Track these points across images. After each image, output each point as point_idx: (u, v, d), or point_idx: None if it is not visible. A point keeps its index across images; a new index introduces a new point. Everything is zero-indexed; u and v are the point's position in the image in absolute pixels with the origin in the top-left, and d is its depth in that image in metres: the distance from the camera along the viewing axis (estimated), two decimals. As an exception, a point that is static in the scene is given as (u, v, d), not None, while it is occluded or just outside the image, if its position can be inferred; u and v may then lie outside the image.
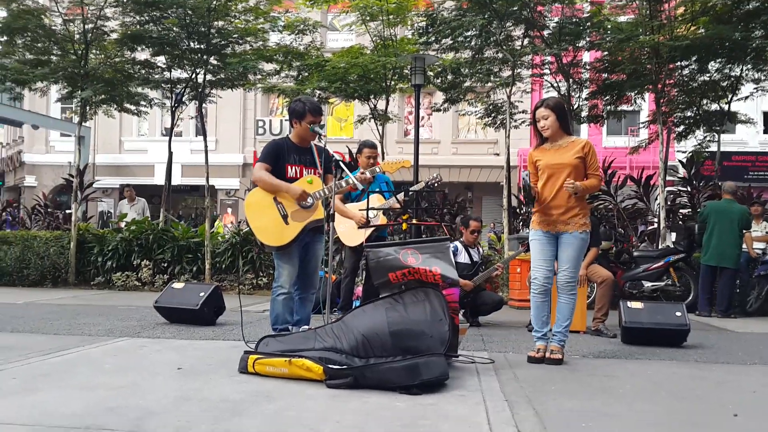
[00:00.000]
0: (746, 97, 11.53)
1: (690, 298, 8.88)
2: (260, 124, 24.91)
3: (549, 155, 4.69)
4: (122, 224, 11.28)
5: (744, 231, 8.67)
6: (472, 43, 10.49)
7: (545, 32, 10.76)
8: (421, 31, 11.04)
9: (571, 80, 11.52)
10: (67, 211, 12.44)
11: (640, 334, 5.63)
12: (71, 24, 11.15)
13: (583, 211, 4.68)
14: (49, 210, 13.03)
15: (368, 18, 11.72)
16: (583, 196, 4.70)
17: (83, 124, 11.81)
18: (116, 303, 8.25)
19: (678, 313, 5.68)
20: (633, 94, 11.61)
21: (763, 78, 10.94)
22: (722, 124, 11.54)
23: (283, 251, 4.72)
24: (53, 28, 11.01)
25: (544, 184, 4.69)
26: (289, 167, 4.81)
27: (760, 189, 13.53)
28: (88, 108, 11.82)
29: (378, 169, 5.14)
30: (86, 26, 10.77)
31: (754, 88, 11.36)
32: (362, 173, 5.00)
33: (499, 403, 3.33)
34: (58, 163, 24.20)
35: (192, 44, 10.84)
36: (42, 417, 2.87)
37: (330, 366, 3.69)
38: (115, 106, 12.36)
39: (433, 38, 10.55)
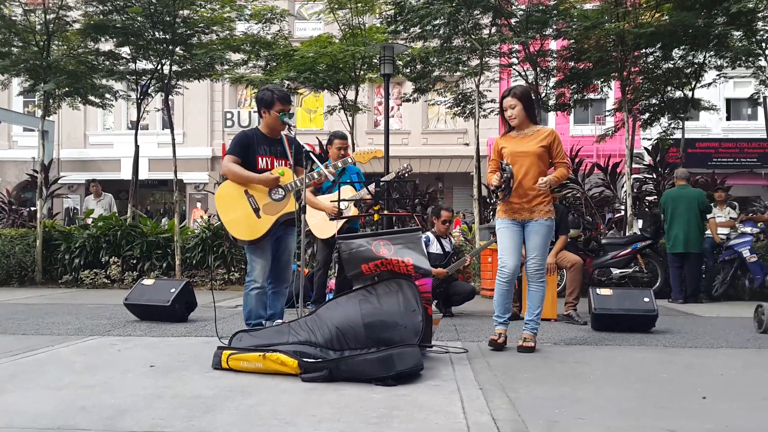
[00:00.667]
0: (709, 84, 11.74)
1: (657, 284, 9.04)
2: (228, 116, 24.67)
3: (513, 143, 4.72)
4: (89, 221, 11.10)
5: (708, 216, 8.83)
6: (441, 32, 10.51)
7: (513, 20, 10.82)
8: (389, 19, 11.01)
9: (538, 69, 11.61)
10: (32, 208, 12.19)
11: (609, 320, 5.71)
12: (32, 14, 10.88)
13: (547, 198, 4.71)
14: (13, 207, 12.76)
15: (336, 6, 11.66)
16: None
17: (47, 118, 11.57)
18: (85, 301, 8.13)
19: (646, 299, 5.77)
20: (599, 82, 11.75)
21: (725, 65, 11.15)
22: (686, 111, 11.75)
23: (256, 245, 4.69)
24: (13, 18, 10.74)
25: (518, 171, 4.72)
26: (260, 158, 4.77)
27: (723, 175, 13.79)
28: (51, 101, 11.58)
29: (350, 160, 5.13)
30: (48, 16, 10.53)
31: (717, 75, 11.57)
32: (332, 165, 4.97)
33: (473, 392, 3.36)
34: (21, 158, 23.70)
35: (157, 34, 10.67)
36: (12, 418, 2.82)
37: (305, 359, 3.68)
38: (79, 99, 12.13)
39: (401, 27, 10.55)
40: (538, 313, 4.77)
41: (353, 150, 12.07)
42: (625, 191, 10.23)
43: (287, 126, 4.75)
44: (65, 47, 11.26)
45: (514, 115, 4.68)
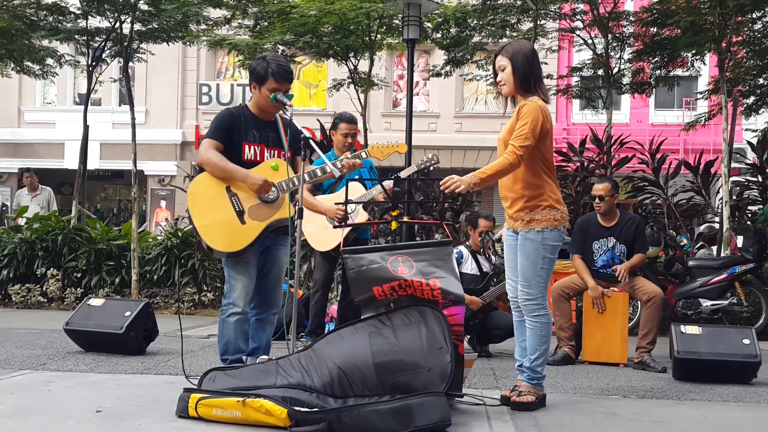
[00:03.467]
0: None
1: (761, 320, 8.94)
2: (204, 89, 24.78)
3: (503, 128, 4.67)
4: (21, 221, 11.19)
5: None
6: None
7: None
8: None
9: (609, 36, 11.57)
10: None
11: (696, 367, 5.66)
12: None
13: (533, 202, 4.48)
14: (-76, 202, 12.92)
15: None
16: (530, 174, 4.49)
17: (-30, 88, 11.71)
18: (14, 325, 8.18)
19: (746, 341, 5.71)
20: (689, 54, 11.68)
21: None
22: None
23: (237, 258, 4.70)
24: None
25: None
26: (247, 147, 4.76)
27: None
28: (-24, 67, 11.73)
29: (364, 154, 5.11)
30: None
31: None
32: (348, 157, 4.92)
33: (515, 457, 3.35)
34: (-64, 139, 24.01)
35: (115, -17, 10.77)
36: None
37: (296, 408, 3.68)
38: (12, 65, 12.25)
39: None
40: (537, 357, 4.53)
41: (365, 138, 12.16)
42: (721, 198, 10.15)
43: (283, 105, 4.75)
44: (-4, -3, 11.40)
45: (503, 80, 4.51)
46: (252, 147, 4.79)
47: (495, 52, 4.66)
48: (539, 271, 4.52)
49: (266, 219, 4.69)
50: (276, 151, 4.85)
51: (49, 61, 12.33)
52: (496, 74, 4.61)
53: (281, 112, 4.86)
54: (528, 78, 4.48)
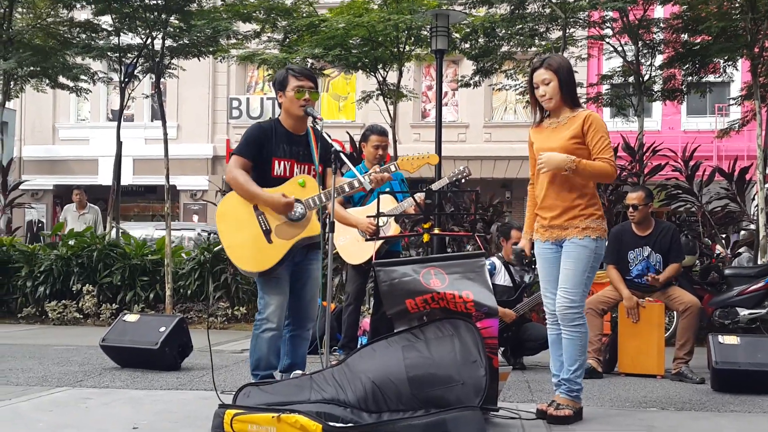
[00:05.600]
0: None
1: (801, 328, 8.81)
2: (234, 104, 24.98)
3: (543, 136, 4.64)
4: (58, 237, 11.23)
5: None
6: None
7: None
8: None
9: (640, 43, 11.49)
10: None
11: (735, 378, 5.60)
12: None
13: (588, 210, 4.55)
14: (-39, 219, 13.09)
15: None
16: (585, 185, 4.55)
17: (5, 106, 11.87)
18: (51, 341, 8.27)
19: (786, 350, 5.64)
20: (721, 61, 11.56)
21: None
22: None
23: (267, 276, 4.69)
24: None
25: (536, 176, 4.67)
26: (276, 162, 4.74)
27: None
28: (12, 84, 11.87)
29: (393, 167, 5.10)
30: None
31: None
32: (376, 171, 4.89)
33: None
34: (-28, 157, 24.33)
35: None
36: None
37: (331, 424, 3.68)
38: (47, 82, 12.40)
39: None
40: (577, 368, 4.54)
41: (395, 149, 12.16)
42: (757, 205, 10.02)
43: (312, 117, 4.74)
44: (31, 16, 11.55)
45: (548, 94, 4.52)
46: (282, 162, 4.76)
47: (532, 65, 4.68)
48: (585, 279, 4.55)
49: (293, 238, 4.66)
50: (307, 166, 4.83)
51: (83, 77, 12.46)
52: (532, 87, 4.62)
53: (312, 122, 4.83)
54: (573, 90, 4.60)
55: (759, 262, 9.65)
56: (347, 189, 4.79)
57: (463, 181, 6.21)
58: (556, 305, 4.60)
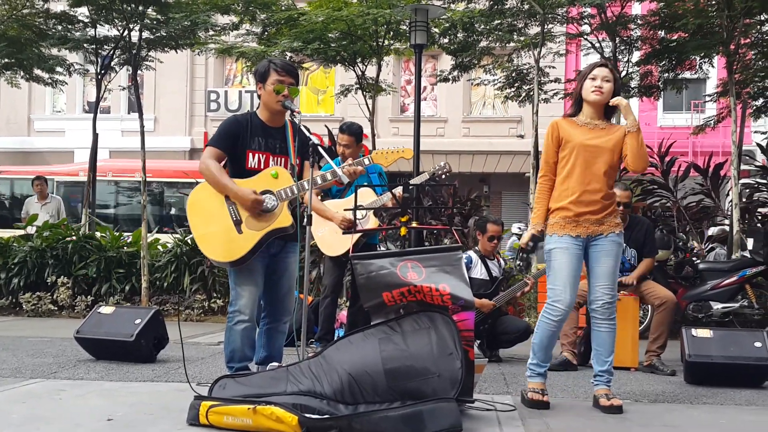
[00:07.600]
0: None
1: (773, 322, 8.91)
2: (212, 96, 24.89)
3: (583, 133, 4.71)
4: (31, 229, 11.20)
5: None
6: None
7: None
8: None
9: (617, 40, 11.55)
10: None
11: (708, 370, 5.65)
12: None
13: (614, 207, 4.82)
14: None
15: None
16: (613, 186, 4.84)
17: (-20, 97, 11.75)
18: (25, 333, 8.21)
19: (757, 344, 5.68)
20: (697, 57, 11.65)
21: None
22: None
23: (239, 267, 4.65)
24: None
25: (572, 170, 4.69)
26: (251, 155, 4.71)
27: None
28: (-14, 76, 11.77)
29: (367, 161, 5.09)
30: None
31: None
32: (350, 164, 4.89)
33: (527, 463, 3.34)
34: (-54, 148, 24.11)
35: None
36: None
37: (307, 415, 3.69)
38: (22, 74, 12.28)
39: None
40: (612, 361, 4.74)
41: (373, 145, 12.16)
42: (731, 200, 10.11)
43: (290, 111, 4.71)
44: (6, 7, 11.43)
45: (606, 90, 4.69)
46: (256, 155, 4.73)
47: (596, 63, 4.87)
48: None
49: (263, 229, 4.62)
50: (282, 159, 4.80)
51: (59, 69, 12.37)
52: (587, 78, 4.76)
53: (290, 116, 4.80)
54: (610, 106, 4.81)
55: (732, 257, 9.75)
56: (319, 181, 4.74)
57: (444, 176, 6.23)
58: (596, 300, 4.71)
